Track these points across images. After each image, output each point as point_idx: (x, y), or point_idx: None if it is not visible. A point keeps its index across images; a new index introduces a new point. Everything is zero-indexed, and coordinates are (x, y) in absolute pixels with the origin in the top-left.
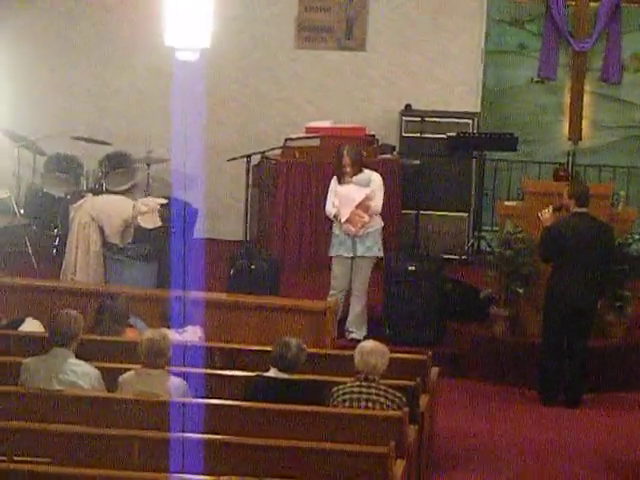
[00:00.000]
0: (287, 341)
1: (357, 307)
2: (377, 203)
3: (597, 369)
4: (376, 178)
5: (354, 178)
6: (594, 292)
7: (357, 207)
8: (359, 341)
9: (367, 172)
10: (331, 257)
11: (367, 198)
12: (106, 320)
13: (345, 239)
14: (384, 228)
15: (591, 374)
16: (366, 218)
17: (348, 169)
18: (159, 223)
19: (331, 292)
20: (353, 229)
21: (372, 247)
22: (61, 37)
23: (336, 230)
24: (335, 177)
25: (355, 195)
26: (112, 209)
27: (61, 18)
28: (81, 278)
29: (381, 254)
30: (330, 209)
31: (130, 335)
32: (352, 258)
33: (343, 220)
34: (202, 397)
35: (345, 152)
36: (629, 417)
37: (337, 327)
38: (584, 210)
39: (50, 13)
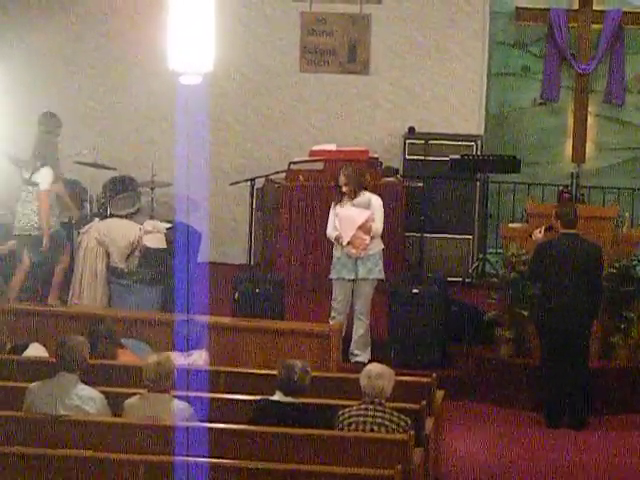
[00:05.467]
0: (292, 364)
1: (360, 330)
2: (378, 225)
3: (602, 391)
4: (376, 200)
5: (354, 200)
6: (584, 313)
7: (359, 229)
8: (364, 364)
9: (367, 194)
10: (332, 280)
11: (368, 220)
12: (102, 344)
13: (347, 261)
14: (384, 250)
15: (596, 396)
16: (367, 240)
17: (344, 188)
18: (164, 245)
19: (332, 315)
20: (354, 251)
21: (373, 269)
22: (65, 61)
23: (337, 252)
24: (334, 201)
25: (356, 217)
26: (118, 232)
27: (66, 43)
28: (88, 303)
29: (382, 276)
30: (331, 232)
31: (124, 358)
32: (353, 280)
33: (345, 242)
34: (207, 421)
35: (341, 171)
36: (635, 438)
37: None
38: (572, 231)
39: (55, 37)
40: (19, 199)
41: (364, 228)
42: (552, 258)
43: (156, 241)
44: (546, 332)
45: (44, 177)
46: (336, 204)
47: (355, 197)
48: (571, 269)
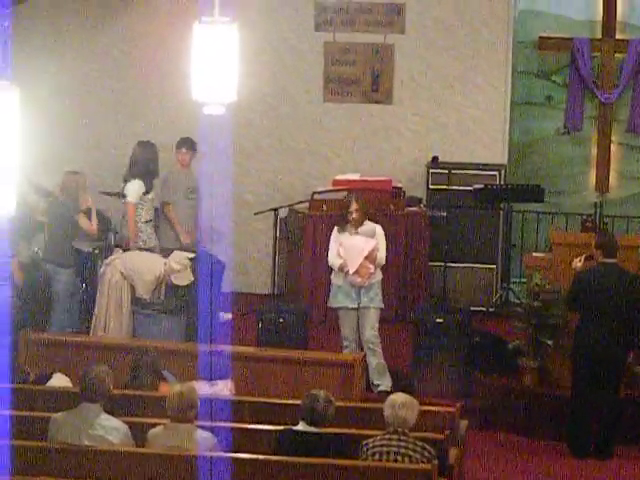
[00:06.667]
0: (315, 394)
1: (374, 360)
2: (382, 254)
3: (628, 421)
4: (380, 230)
5: (360, 229)
6: (622, 343)
7: (365, 258)
8: (387, 392)
9: (370, 224)
10: (333, 308)
11: (375, 249)
12: (144, 375)
13: (349, 290)
14: (383, 280)
15: (622, 426)
16: (372, 269)
17: (355, 215)
18: (192, 278)
19: (345, 344)
20: (360, 280)
21: (374, 298)
22: (89, 92)
23: (338, 281)
24: (336, 227)
25: (363, 246)
26: (143, 267)
27: (90, 73)
28: (113, 334)
29: (382, 305)
30: (334, 260)
31: (164, 389)
32: (356, 309)
33: (352, 271)
34: (231, 451)
35: (353, 199)
36: None
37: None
38: (612, 261)
39: (79, 67)
40: None
41: (370, 257)
42: (591, 287)
43: (185, 279)
44: (581, 361)
45: (131, 189)
46: (339, 231)
47: (361, 225)
48: (611, 299)
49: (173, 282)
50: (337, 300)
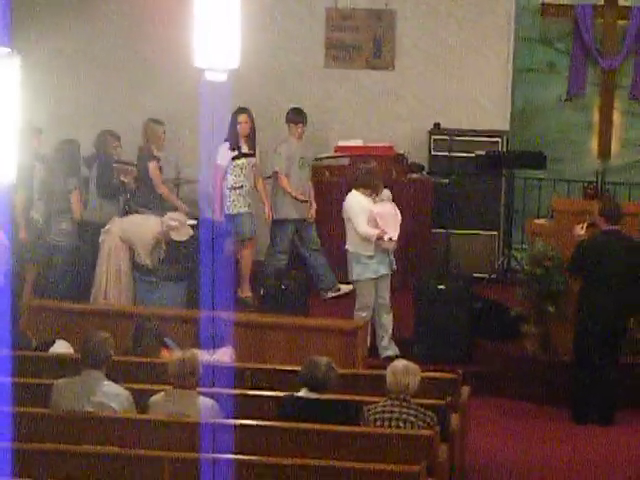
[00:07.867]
0: (316, 360)
1: (391, 323)
2: None
3: (629, 386)
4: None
5: (381, 195)
6: (624, 310)
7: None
8: (391, 359)
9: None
10: (367, 279)
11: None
12: (145, 341)
13: (383, 258)
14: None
15: (623, 391)
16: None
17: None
18: (191, 232)
19: (364, 314)
20: (393, 245)
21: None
22: (90, 59)
23: (368, 252)
24: (363, 197)
25: (396, 212)
26: (141, 228)
27: (90, 40)
28: (113, 300)
29: None
30: (369, 230)
31: (165, 355)
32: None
33: (395, 238)
34: (232, 418)
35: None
36: None
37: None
38: (615, 228)
39: (81, 35)
40: None
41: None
42: (594, 254)
43: (183, 234)
44: (584, 328)
45: (219, 151)
46: (360, 200)
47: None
48: (613, 266)
49: (172, 238)
50: (372, 270)
